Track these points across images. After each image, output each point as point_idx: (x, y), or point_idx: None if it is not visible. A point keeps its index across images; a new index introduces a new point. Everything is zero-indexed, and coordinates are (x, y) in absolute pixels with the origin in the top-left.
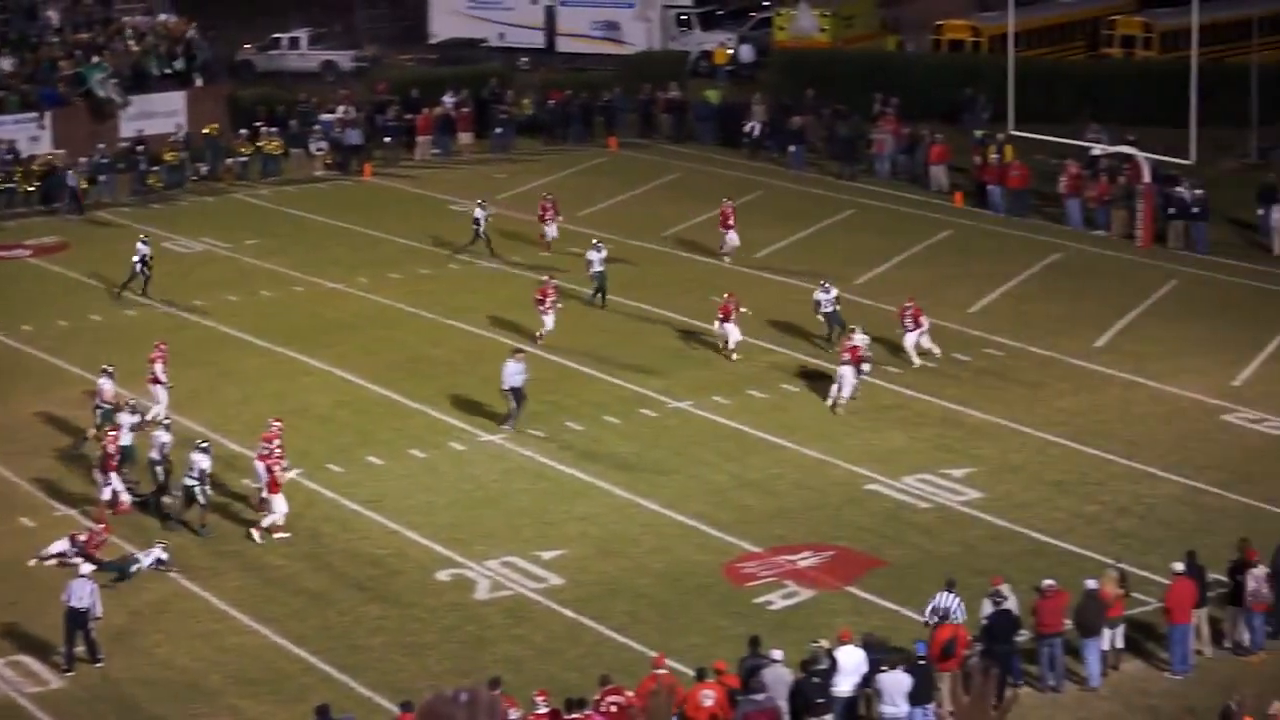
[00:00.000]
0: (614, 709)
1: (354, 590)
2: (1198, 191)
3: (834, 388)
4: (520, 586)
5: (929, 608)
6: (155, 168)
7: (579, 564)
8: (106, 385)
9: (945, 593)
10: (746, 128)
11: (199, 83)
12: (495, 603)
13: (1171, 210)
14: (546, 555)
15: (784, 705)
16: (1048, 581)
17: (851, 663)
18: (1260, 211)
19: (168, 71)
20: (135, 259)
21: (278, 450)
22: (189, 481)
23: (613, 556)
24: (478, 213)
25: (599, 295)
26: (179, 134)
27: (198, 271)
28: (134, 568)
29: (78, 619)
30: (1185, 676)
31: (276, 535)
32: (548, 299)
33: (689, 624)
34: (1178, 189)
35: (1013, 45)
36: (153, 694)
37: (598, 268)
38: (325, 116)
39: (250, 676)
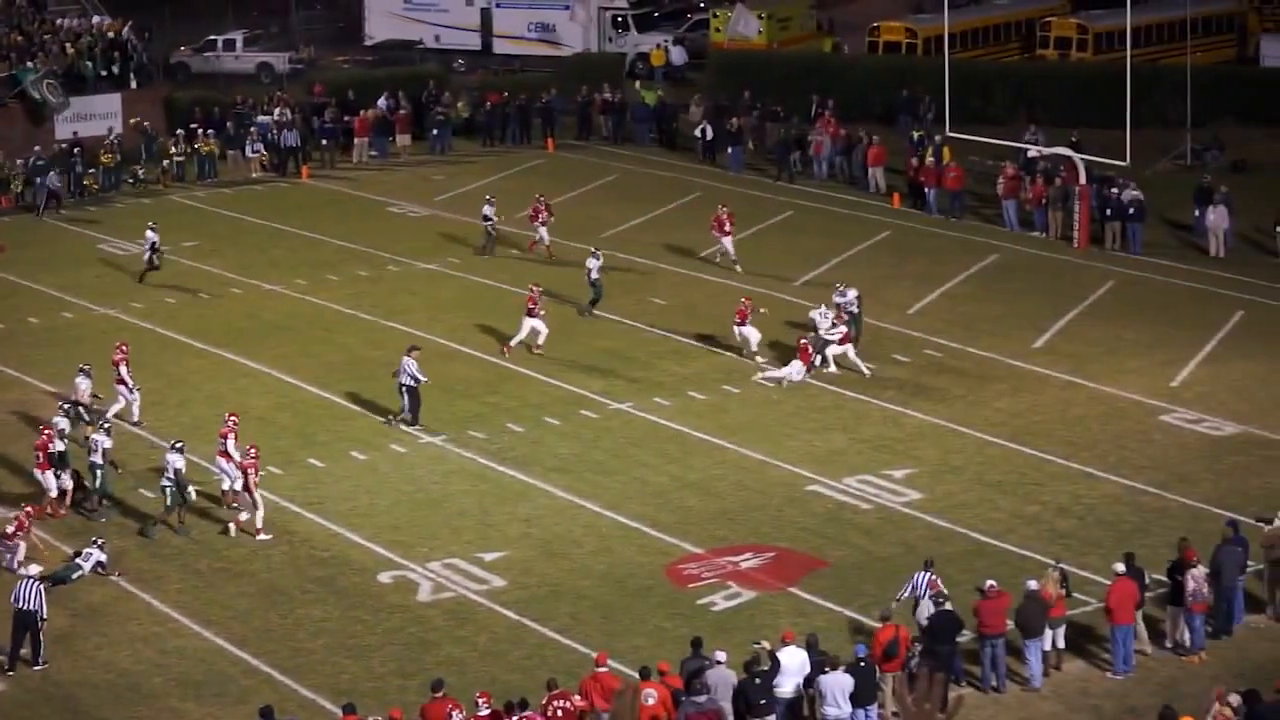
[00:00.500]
0: (560, 713)
1: (296, 593)
2: (1134, 193)
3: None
4: (462, 588)
5: (908, 587)
6: (91, 169)
7: (521, 566)
8: (83, 384)
9: (922, 573)
10: (698, 131)
11: (133, 85)
12: (438, 605)
13: (1108, 211)
14: (488, 557)
15: (727, 706)
16: (990, 582)
17: (795, 663)
18: (1196, 213)
19: (103, 74)
20: (145, 246)
21: (253, 453)
22: (164, 483)
23: (555, 558)
24: (486, 209)
25: (592, 305)
26: (111, 136)
27: (135, 273)
28: (75, 575)
29: (26, 620)
30: (1127, 677)
31: (260, 536)
32: (537, 305)
33: (631, 625)
34: (1113, 190)
35: (948, 47)
36: (94, 697)
37: (595, 275)
38: (261, 118)
39: (192, 679)
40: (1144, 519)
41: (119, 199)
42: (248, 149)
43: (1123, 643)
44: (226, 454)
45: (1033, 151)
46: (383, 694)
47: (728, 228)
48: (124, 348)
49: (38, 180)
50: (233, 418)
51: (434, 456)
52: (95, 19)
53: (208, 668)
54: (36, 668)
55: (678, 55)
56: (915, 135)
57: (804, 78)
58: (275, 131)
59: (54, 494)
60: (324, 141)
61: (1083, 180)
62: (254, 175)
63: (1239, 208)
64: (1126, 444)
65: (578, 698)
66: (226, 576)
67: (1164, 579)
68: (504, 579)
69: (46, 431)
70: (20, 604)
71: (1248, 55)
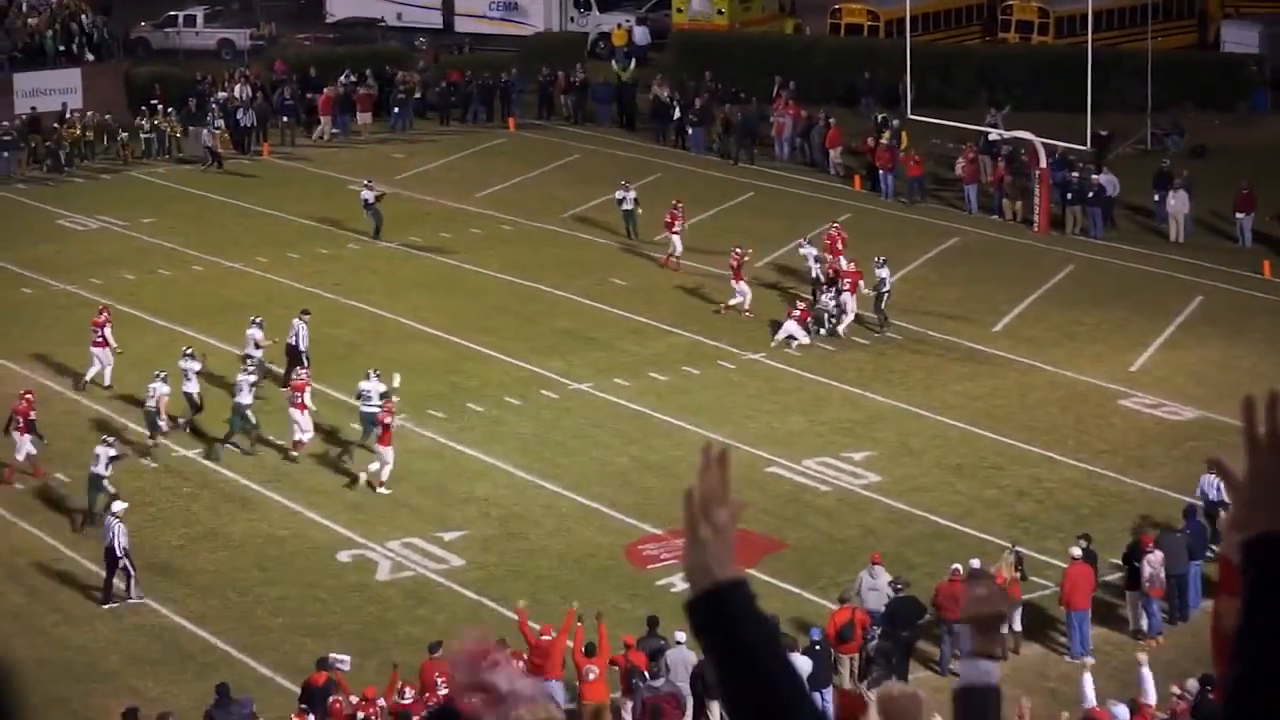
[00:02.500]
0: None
1: (254, 570)
2: (1094, 177)
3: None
4: (421, 568)
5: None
6: (48, 144)
7: (480, 545)
8: (257, 334)
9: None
10: (676, 115)
11: (90, 59)
12: (397, 584)
13: (1069, 195)
14: (448, 536)
15: (685, 688)
16: (954, 565)
17: None
18: (1156, 197)
19: (61, 49)
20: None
21: (385, 404)
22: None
23: (514, 538)
24: (366, 193)
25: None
26: (69, 111)
27: (94, 249)
28: (105, 481)
29: (112, 557)
30: (1083, 661)
31: (380, 489)
32: (740, 268)
33: (591, 606)
34: (1074, 174)
35: (910, 29)
36: (51, 674)
37: (627, 207)
38: (222, 95)
39: (150, 657)
40: (1102, 503)
41: (78, 174)
42: (209, 126)
43: (1079, 627)
44: (302, 405)
45: (994, 135)
46: (341, 673)
47: (676, 226)
48: (106, 311)
49: (5, 155)
50: (305, 371)
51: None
52: None
53: (165, 645)
54: (130, 600)
55: (640, 35)
56: (878, 117)
57: (765, 58)
58: (235, 107)
59: (21, 458)
60: (284, 119)
61: (1043, 164)
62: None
63: (1199, 193)
64: (1086, 428)
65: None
66: (185, 554)
67: (1120, 564)
68: (463, 558)
69: (28, 396)
70: (106, 540)
71: (1208, 41)
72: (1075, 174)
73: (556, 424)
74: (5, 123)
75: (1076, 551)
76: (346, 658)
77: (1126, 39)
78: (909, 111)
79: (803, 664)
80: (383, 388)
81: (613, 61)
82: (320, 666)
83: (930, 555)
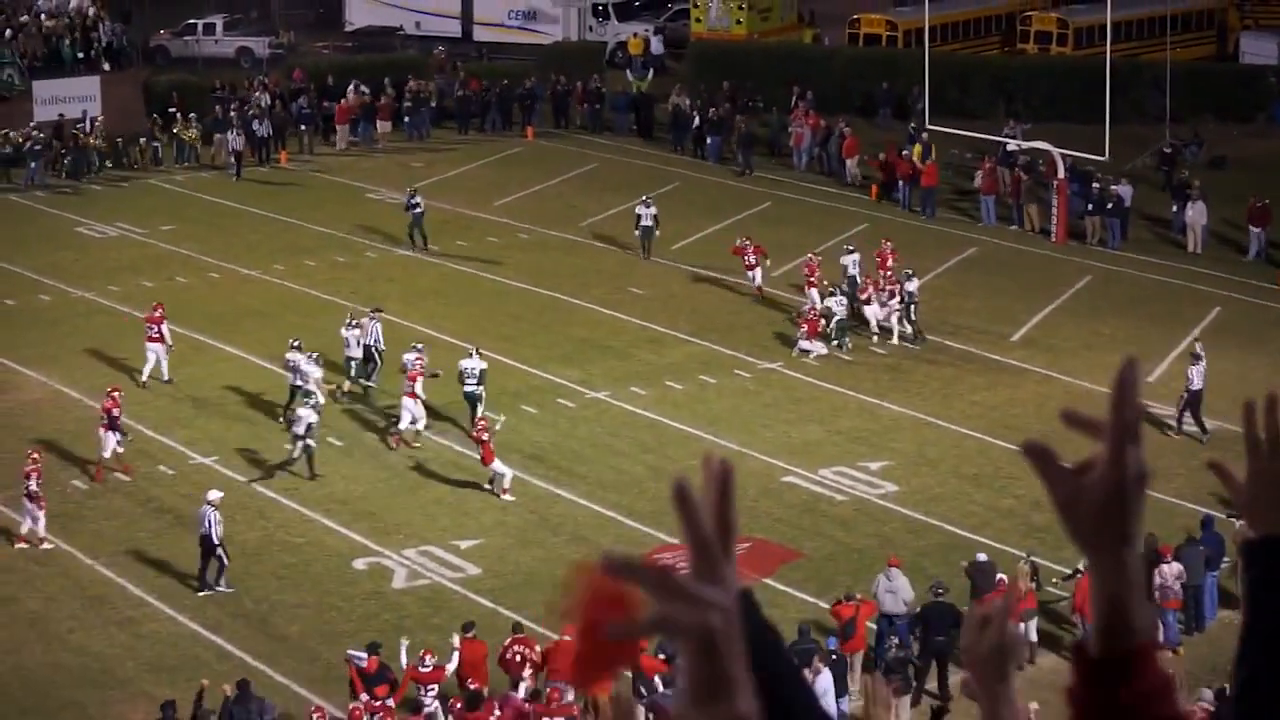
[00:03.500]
0: (516, 658)
1: (270, 578)
2: (1113, 188)
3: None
4: (437, 575)
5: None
6: (63, 150)
7: (496, 554)
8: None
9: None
10: (695, 124)
11: (106, 68)
12: (412, 591)
13: (1089, 206)
14: (464, 545)
15: None
16: (1000, 577)
17: None
18: (1174, 208)
19: (80, 56)
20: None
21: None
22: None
23: (530, 546)
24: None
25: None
26: (86, 119)
27: (112, 256)
28: (302, 441)
29: (207, 545)
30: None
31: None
32: (814, 275)
33: None
34: (1093, 185)
35: (929, 40)
36: (67, 679)
37: (646, 224)
38: (241, 103)
39: (166, 664)
40: None
41: (96, 181)
42: (230, 135)
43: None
44: (414, 393)
45: (1012, 145)
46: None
47: (752, 260)
48: (162, 307)
49: (32, 165)
50: (420, 360)
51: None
52: (73, 2)
53: (181, 652)
54: (218, 589)
55: (657, 45)
56: (910, 127)
57: (783, 68)
58: (254, 113)
59: (108, 454)
60: (302, 127)
61: (1061, 175)
62: (233, 159)
63: (1217, 204)
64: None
65: (538, 648)
66: None
67: None
68: (479, 567)
69: (114, 393)
70: (202, 529)
71: (1227, 52)
72: (1096, 185)
73: (573, 432)
74: (35, 131)
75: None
76: (364, 654)
77: (1145, 50)
78: (927, 121)
79: (824, 680)
80: (484, 365)
81: (627, 72)
82: (371, 652)
83: (946, 565)
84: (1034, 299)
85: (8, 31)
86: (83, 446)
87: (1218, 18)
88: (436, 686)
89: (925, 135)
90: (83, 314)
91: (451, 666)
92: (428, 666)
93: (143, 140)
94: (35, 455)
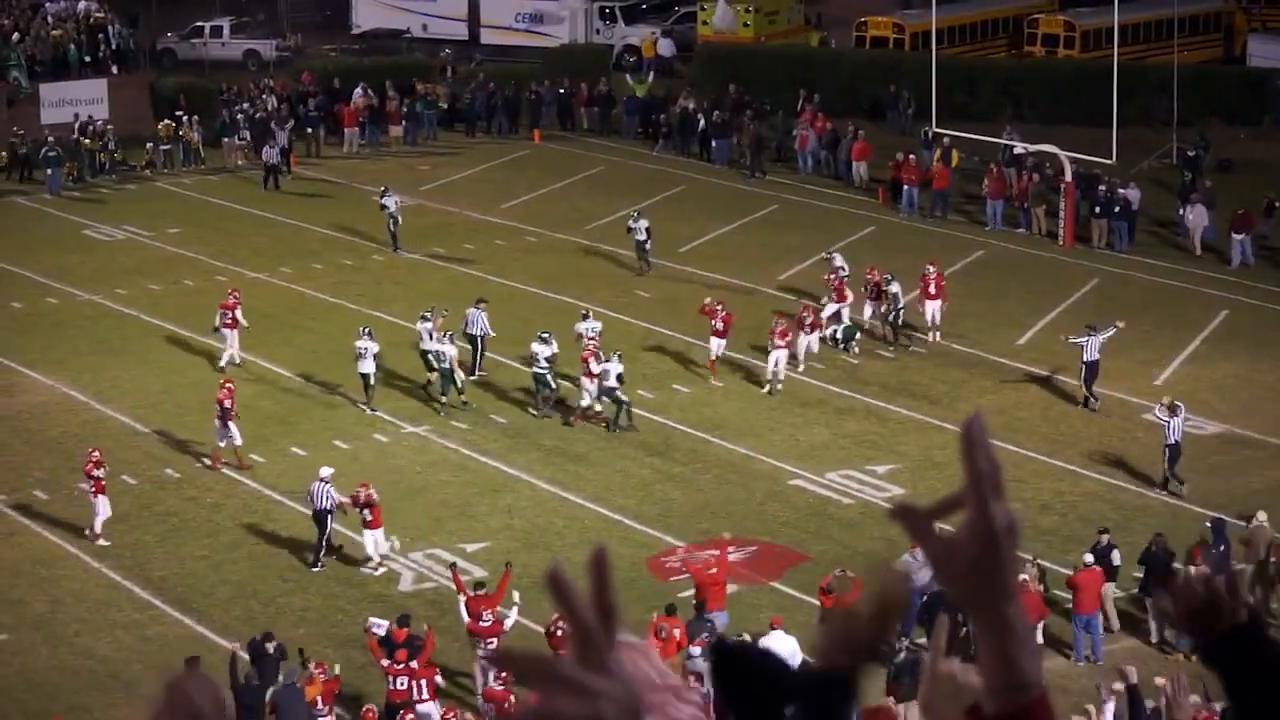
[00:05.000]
0: (561, 633)
1: (277, 581)
2: (1120, 191)
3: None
4: (444, 579)
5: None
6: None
7: (503, 556)
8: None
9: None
10: (701, 127)
11: (114, 71)
12: (419, 594)
13: (1096, 210)
14: (470, 548)
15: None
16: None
17: (785, 651)
18: (1180, 211)
19: (88, 59)
20: (385, 213)
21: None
22: (539, 370)
23: (536, 549)
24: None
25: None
26: (94, 123)
27: (119, 259)
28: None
29: (321, 520)
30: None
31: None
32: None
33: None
34: (1100, 188)
35: (935, 43)
36: (74, 683)
37: (639, 237)
38: (248, 106)
39: (174, 667)
40: (1125, 516)
41: (104, 184)
42: (236, 137)
43: (1085, 630)
44: (591, 373)
45: (1019, 148)
46: (365, 683)
47: (720, 326)
48: (236, 293)
49: (49, 171)
50: (593, 341)
51: (416, 447)
52: (81, 4)
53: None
54: (314, 569)
55: (665, 47)
56: (927, 133)
57: (790, 71)
58: (263, 114)
59: (223, 444)
60: (308, 130)
61: (1068, 178)
62: (240, 163)
63: (1223, 207)
64: (1110, 441)
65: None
66: (209, 565)
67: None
68: (485, 570)
69: (228, 386)
70: (316, 505)
71: (1234, 54)
72: (1102, 187)
73: (579, 436)
74: (50, 137)
75: (1089, 558)
76: (384, 622)
77: (1152, 53)
78: (934, 125)
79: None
80: (552, 350)
81: (628, 76)
82: (401, 624)
83: None
84: (1041, 302)
85: (14, 35)
86: (89, 449)
87: (1225, 20)
88: (495, 640)
89: (946, 140)
90: (89, 317)
91: (510, 620)
92: (486, 621)
93: (150, 145)
94: (96, 454)
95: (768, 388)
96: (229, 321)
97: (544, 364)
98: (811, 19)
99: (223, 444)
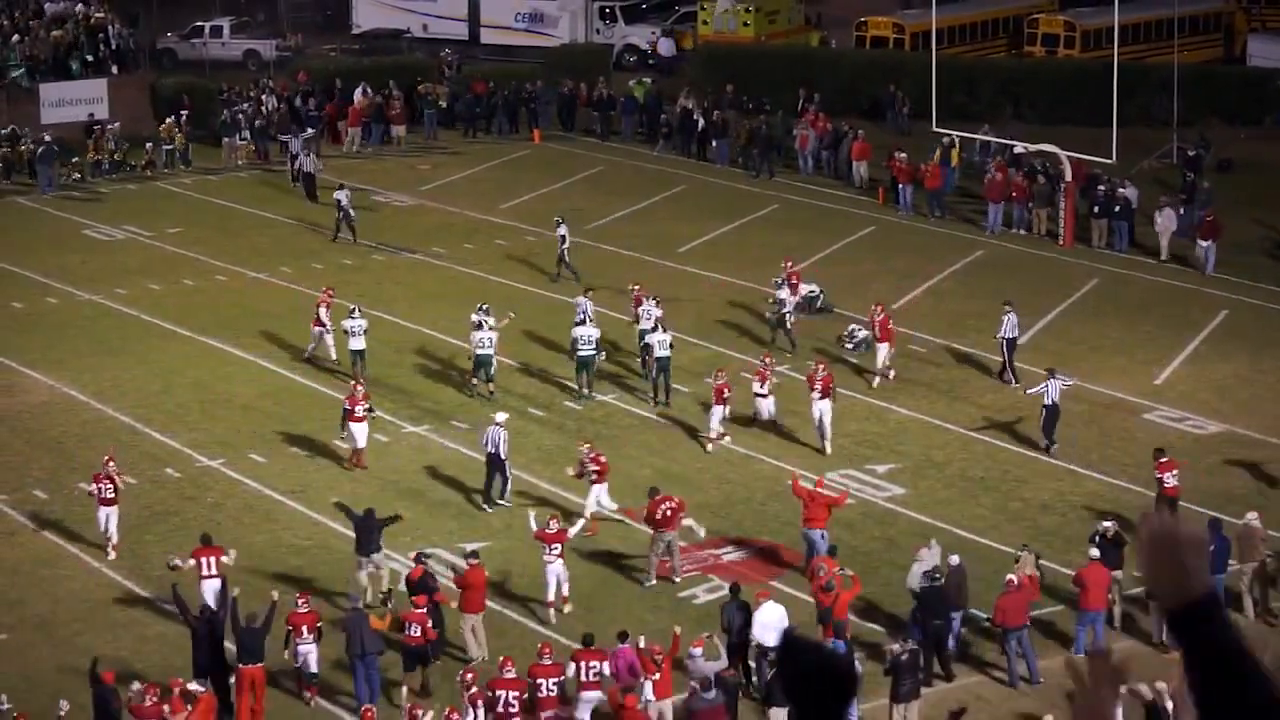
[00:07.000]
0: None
1: (277, 581)
2: (1120, 191)
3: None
4: (444, 578)
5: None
6: (75, 159)
7: (503, 556)
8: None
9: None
10: (700, 127)
11: (114, 71)
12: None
13: (1095, 209)
14: (470, 547)
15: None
16: (1009, 577)
17: (773, 618)
18: (1181, 211)
19: (89, 59)
20: (336, 209)
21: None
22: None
23: (536, 549)
24: (340, 195)
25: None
26: (101, 125)
27: (120, 259)
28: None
29: (495, 463)
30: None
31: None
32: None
33: (614, 617)
34: (1100, 188)
35: (935, 43)
36: (75, 682)
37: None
38: (248, 106)
39: (174, 666)
40: (1126, 516)
41: (104, 184)
42: (237, 137)
43: (1090, 627)
44: (723, 400)
45: (1019, 148)
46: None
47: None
48: (330, 290)
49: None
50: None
51: (417, 446)
52: (80, 5)
53: (187, 655)
54: (500, 503)
55: (665, 47)
56: (944, 137)
57: (790, 71)
58: (263, 112)
59: (359, 446)
60: (308, 130)
61: (1068, 178)
62: (240, 163)
63: (1223, 207)
64: (1110, 441)
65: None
66: None
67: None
68: (486, 569)
69: (359, 387)
70: (489, 448)
71: (1235, 55)
72: (1102, 187)
73: (580, 435)
74: (47, 137)
75: (1095, 552)
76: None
77: (1152, 53)
78: (934, 124)
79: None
80: (597, 333)
81: (630, 82)
82: (417, 561)
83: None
84: (1042, 302)
85: (14, 36)
86: (89, 449)
87: (1225, 20)
88: (560, 546)
89: (951, 139)
90: (90, 317)
91: (575, 530)
92: (553, 530)
93: (149, 145)
94: (110, 460)
95: (710, 446)
96: (316, 319)
97: (590, 347)
98: (811, 19)
99: (357, 444)
